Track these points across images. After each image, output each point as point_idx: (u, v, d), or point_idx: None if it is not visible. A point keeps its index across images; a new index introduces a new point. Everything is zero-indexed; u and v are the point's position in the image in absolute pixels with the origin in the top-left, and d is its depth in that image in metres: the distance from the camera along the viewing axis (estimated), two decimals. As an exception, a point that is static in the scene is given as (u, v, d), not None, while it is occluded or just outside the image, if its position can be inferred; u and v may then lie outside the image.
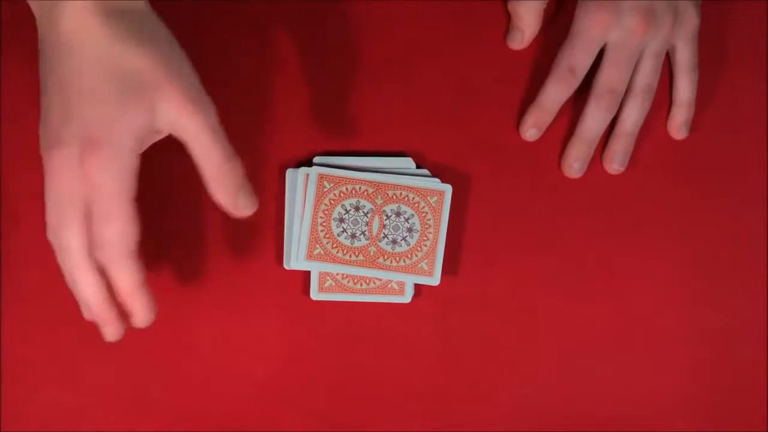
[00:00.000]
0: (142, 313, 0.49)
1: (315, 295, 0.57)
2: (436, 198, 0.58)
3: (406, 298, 0.58)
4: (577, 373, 0.59)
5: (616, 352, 0.59)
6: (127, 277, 0.47)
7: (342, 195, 0.57)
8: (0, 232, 0.57)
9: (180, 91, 0.46)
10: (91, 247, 0.46)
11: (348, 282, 0.58)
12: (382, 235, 0.58)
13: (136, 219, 0.46)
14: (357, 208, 0.57)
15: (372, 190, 0.58)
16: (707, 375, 0.59)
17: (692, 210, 0.60)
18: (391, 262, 0.57)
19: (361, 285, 0.58)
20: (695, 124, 0.61)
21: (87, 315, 0.49)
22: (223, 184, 0.48)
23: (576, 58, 0.57)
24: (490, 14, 0.61)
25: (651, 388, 0.59)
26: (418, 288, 0.58)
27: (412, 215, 0.58)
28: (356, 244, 0.57)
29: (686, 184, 0.60)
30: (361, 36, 0.60)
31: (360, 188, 0.57)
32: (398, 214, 0.58)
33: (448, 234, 0.58)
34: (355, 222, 0.57)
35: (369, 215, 0.58)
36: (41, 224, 0.57)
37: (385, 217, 0.58)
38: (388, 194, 0.58)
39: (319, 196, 0.57)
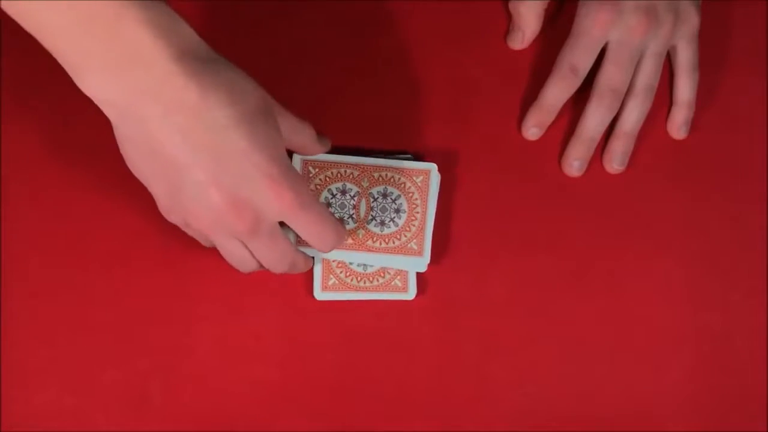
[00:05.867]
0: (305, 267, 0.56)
1: (319, 294, 0.57)
2: (421, 177, 0.57)
3: (410, 295, 0.57)
4: (577, 373, 0.59)
5: (616, 352, 0.59)
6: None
7: (328, 179, 0.57)
8: (0, 233, 0.57)
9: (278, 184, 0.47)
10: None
11: (351, 280, 0.57)
12: (370, 217, 0.57)
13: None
14: (343, 192, 0.57)
15: (358, 173, 0.57)
16: (707, 375, 0.59)
17: (692, 210, 0.60)
18: (380, 243, 0.57)
19: (365, 282, 0.58)
20: (695, 124, 0.61)
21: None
22: None
23: (577, 58, 0.57)
24: (490, 14, 0.61)
25: (651, 388, 0.59)
26: (421, 286, 0.58)
27: (399, 196, 0.57)
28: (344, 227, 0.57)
29: (686, 184, 0.61)
30: (361, 36, 0.60)
31: (345, 172, 0.57)
32: (385, 196, 0.57)
33: (448, 234, 0.58)
34: (342, 206, 0.57)
35: (356, 198, 0.57)
36: (41, 225, 0.57)
37: (372, 200, 0.57)
38: (374, 176, 0.57)
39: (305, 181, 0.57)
